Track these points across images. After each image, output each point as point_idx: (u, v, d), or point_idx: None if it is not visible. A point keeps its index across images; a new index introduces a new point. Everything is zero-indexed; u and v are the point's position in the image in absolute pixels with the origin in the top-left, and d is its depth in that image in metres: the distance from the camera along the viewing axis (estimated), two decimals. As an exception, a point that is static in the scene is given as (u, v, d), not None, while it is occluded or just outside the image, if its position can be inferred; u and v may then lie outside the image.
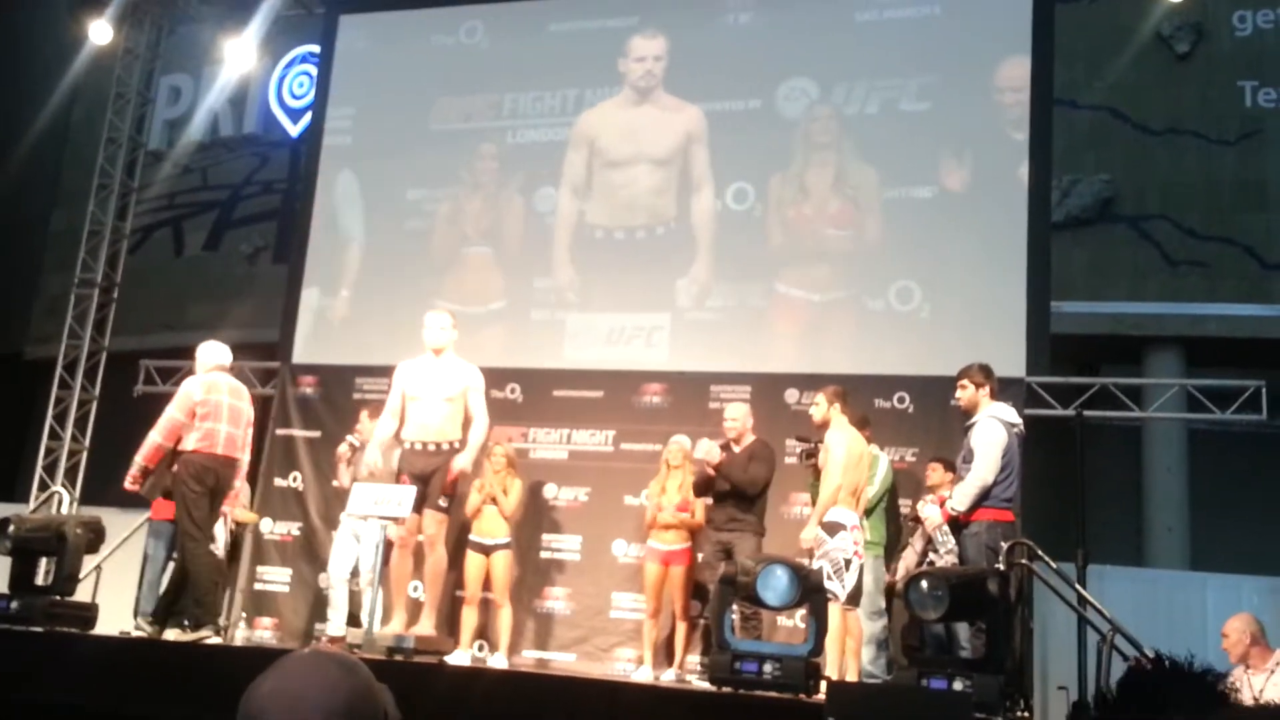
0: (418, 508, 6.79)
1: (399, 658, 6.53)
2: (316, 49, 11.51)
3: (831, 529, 6.61)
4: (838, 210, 9.03)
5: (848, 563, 6.56)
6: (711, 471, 7.32)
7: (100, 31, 11.40)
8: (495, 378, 9.09)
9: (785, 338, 8.73)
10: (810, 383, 8.18)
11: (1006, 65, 8.78)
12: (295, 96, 15.08)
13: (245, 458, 7.05)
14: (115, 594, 8.01)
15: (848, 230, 8.93)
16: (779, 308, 8.88)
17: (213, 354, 7.12)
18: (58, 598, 6.69)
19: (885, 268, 8.65)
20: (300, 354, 9.89)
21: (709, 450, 7.34)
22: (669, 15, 9.78)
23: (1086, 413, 7.99)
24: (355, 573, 8.18)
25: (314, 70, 12.04)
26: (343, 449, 8.42)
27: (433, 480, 6.89)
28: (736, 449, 7.42)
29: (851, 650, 6.71)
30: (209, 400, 6.80)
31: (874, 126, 9.05)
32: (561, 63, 9.93)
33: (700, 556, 7.54)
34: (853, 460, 6.71)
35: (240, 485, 7.34)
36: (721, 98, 9.48)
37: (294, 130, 14.95)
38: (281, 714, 1.39)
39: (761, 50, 9.52)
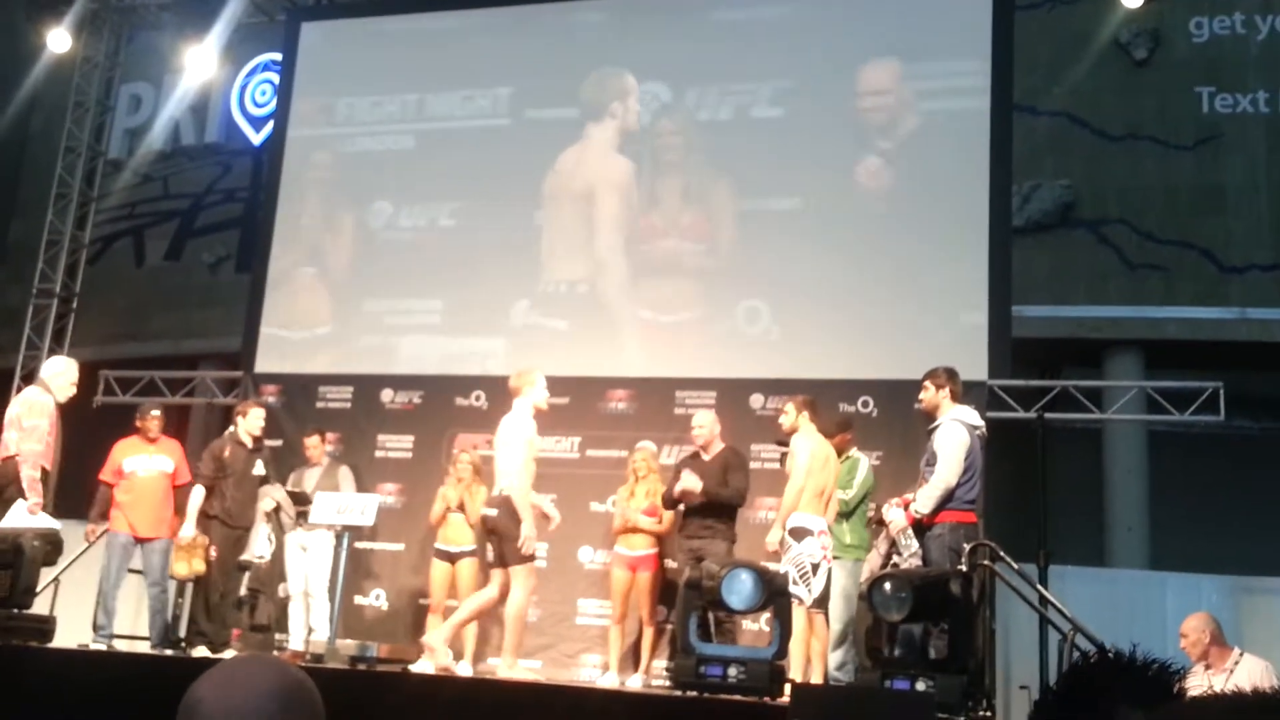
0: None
1: (362, 666, 6.49)
2: (278, 56, 11.45)
3: (799, 534, 6.63)
4: (690, 222, 9.20)
5: (815, 567, 6.59)
6: (696, 500, 7.26)
7: (59, 40, 11.30)
8: (460, 385, 9.11)
9: (749, 343, 8.75)
10: (775, 388, 8.23)
11: (870, 69, 8.95)
12: (257, 104, 14.99)
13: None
14: (73, 607, 7.92)
15: (703, 244, 9.07)
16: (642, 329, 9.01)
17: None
18: (15, 611, 6.59)
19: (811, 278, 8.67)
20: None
21: (691, 484, 7.24)
22: (517, 15, 9.96)
23: (1048, 415, 8.07)
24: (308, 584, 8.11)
25: (276, 78, 11.97)
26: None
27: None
28: (706, 456, 7.41)
29: (818, 653, 6.73)
30: None
31: (727, 133, 9.21)
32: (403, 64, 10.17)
33: (671, 563, 7.55)
34: (817, 464, 6.74)
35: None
36: (568, 105, 9.64)
37: (256, 138, 14.86)
38: (209, 707, 1.40)
39: (612, 53, 9.68)
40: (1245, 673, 6.07)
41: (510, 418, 7.03)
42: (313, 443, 8.45)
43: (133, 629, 8.58)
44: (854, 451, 7.34)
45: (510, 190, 9.54)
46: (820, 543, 6.65)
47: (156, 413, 7.94)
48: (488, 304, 9.38)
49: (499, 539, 6.72)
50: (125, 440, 7.88)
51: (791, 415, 6.97)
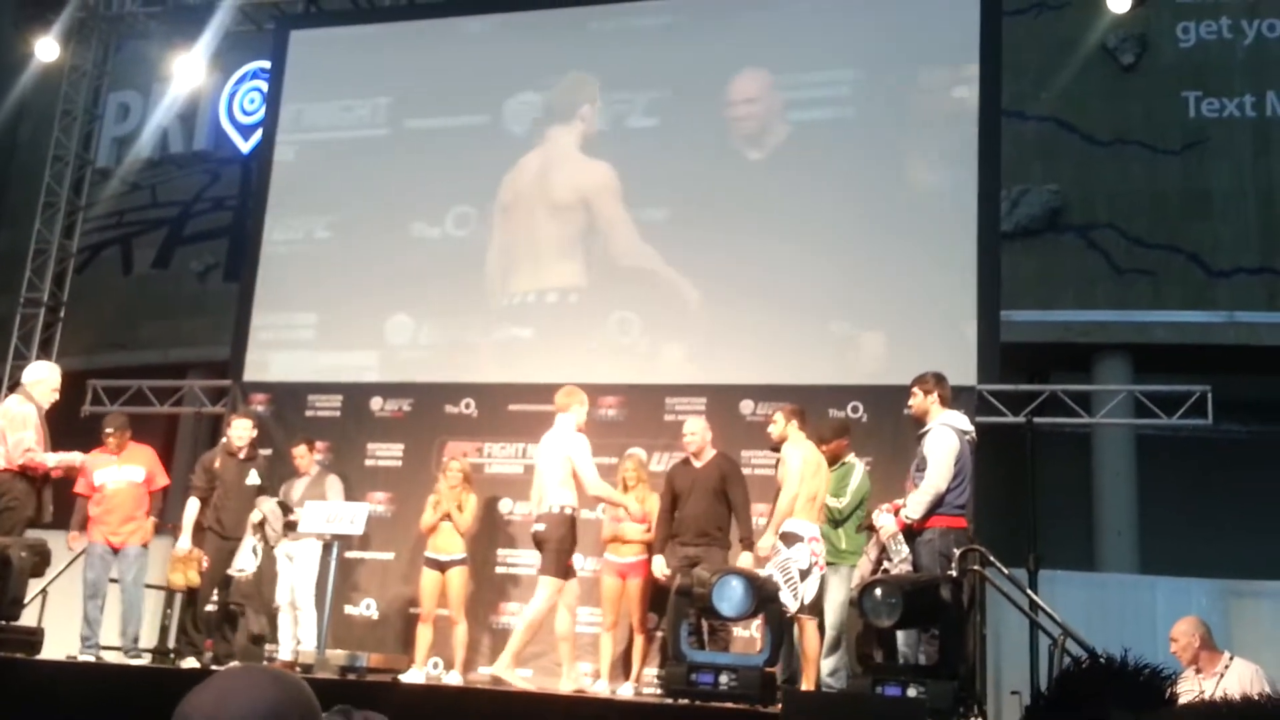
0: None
1: (352, 676, 6.47)
2: (267, 65, 11.44)
3: (789, 539, 6.63)
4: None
5: (803, 573, 6.58)
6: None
7: (47, 48, 11.27)
8: (450, 393, 9.10)
9: (739, 349, 8.75)
10: (765, 394, 8.23)
11: (741, 79, 9.06)
12: (246, 113, 14.97)
13: None
14: (61, 618, 7.88)
15: None
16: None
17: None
18: (3, 622, 6.58)
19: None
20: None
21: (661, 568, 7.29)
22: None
23: (1037, 419, 8.08)
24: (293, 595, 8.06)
25: (265, 86, 11.96)
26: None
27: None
28: (697, 463, 7.39)
29: (811, 658, 6.73)
30: None
31: (601, 143, 9.31)
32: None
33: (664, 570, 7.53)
34: (809, 471, 6.74)
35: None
36: (449, 113, 9.78)
37: (245, 146, 14.84)
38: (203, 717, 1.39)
39: (491, 61, 9.80)
40: (1235, 677, 6.07)
41: (553, 434, 7.27)
42: (300, 452, 8.41)
43: (122, 639, 8.53)
44: (850, 458, 7.34)
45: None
46: (811, 549, 6.65)
47: (111, 430, 7.82)
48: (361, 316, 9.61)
49: (541, 550, 6.98)
50: (95, 452, 7.78)
51: (780, 424, 6.99)
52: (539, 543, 7.09)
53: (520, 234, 9.47)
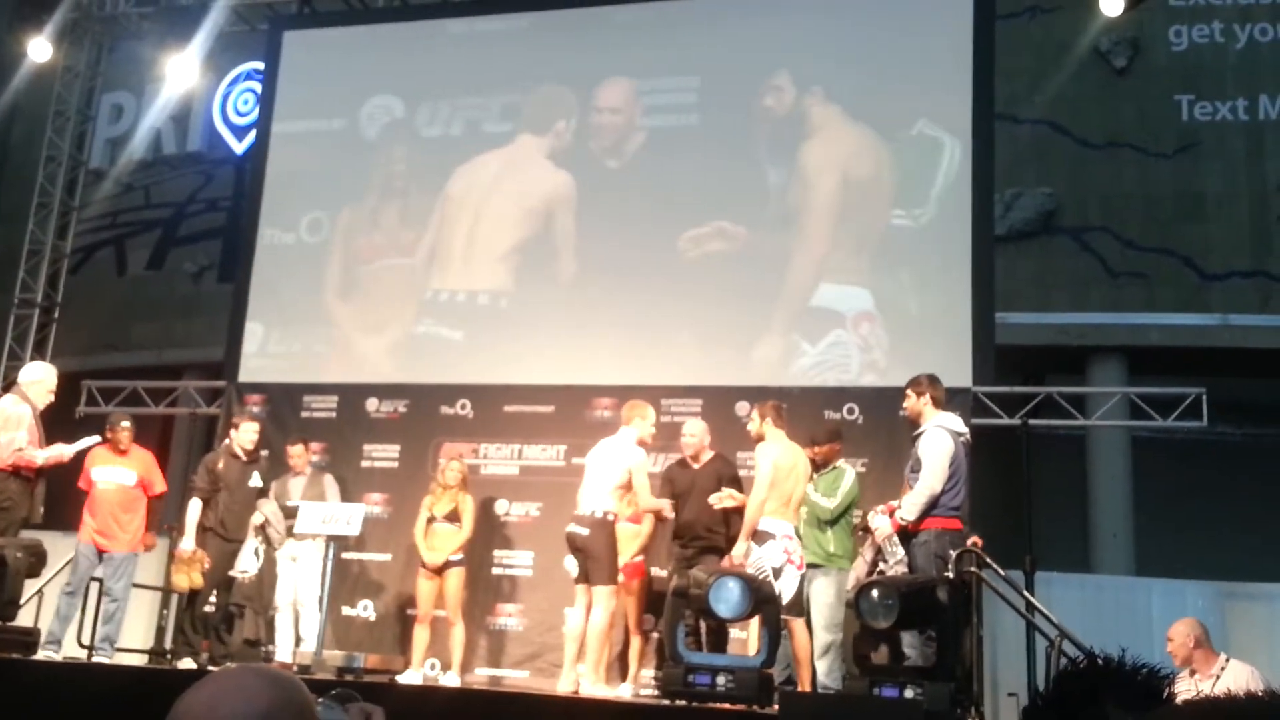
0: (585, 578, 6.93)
1: (349, 678, 6.47)
2: (261, 65, 11.43)
3: (760, 538, 6.67)
4: (410, 241, 9.55)
5: (776, 571, 6.60)
6: (668, 516, 7.34)
7: (40, 49, 11.24)
8: (446, 394, 9.10)
9: (732, 350, 8.76)
10: (761, 395, 8.22)
11: (607, 86, 9.22)
12: (239, 113, 14.95)
13: None
14: (58, 619, 7.85)
15: None
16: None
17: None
18: (-1, 623, 6.56)
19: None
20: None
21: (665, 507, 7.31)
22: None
23: (1032, 421, 8.09)
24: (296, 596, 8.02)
25: (259, 87, 11.95)
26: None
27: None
28: (695, 465, 7.39)
29: (802, 659, 6.74)
30: None
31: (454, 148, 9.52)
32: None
33: (659, 571, 7.55)
34: (782, 473, 6.78)
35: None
36: (307, 116, 9.92)
37: (239, 147, 14.82)
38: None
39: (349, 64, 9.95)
40: (1232, 678, 6.09)
41: (614, 443, 7.21)
42: (296, 451, 8.40)
43: (123, 640, 8.51)
44: (841, 462, 7.35)
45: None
46: (783, 546, 6.67)
47: (127, 424, 7.81)
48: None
49: (585, 557, 6.88)
50: (98, 448, 7.76)
51: (756, 422, 7.02)
52: (580, 548, 6.93)
53: (459, 230, 9.54)
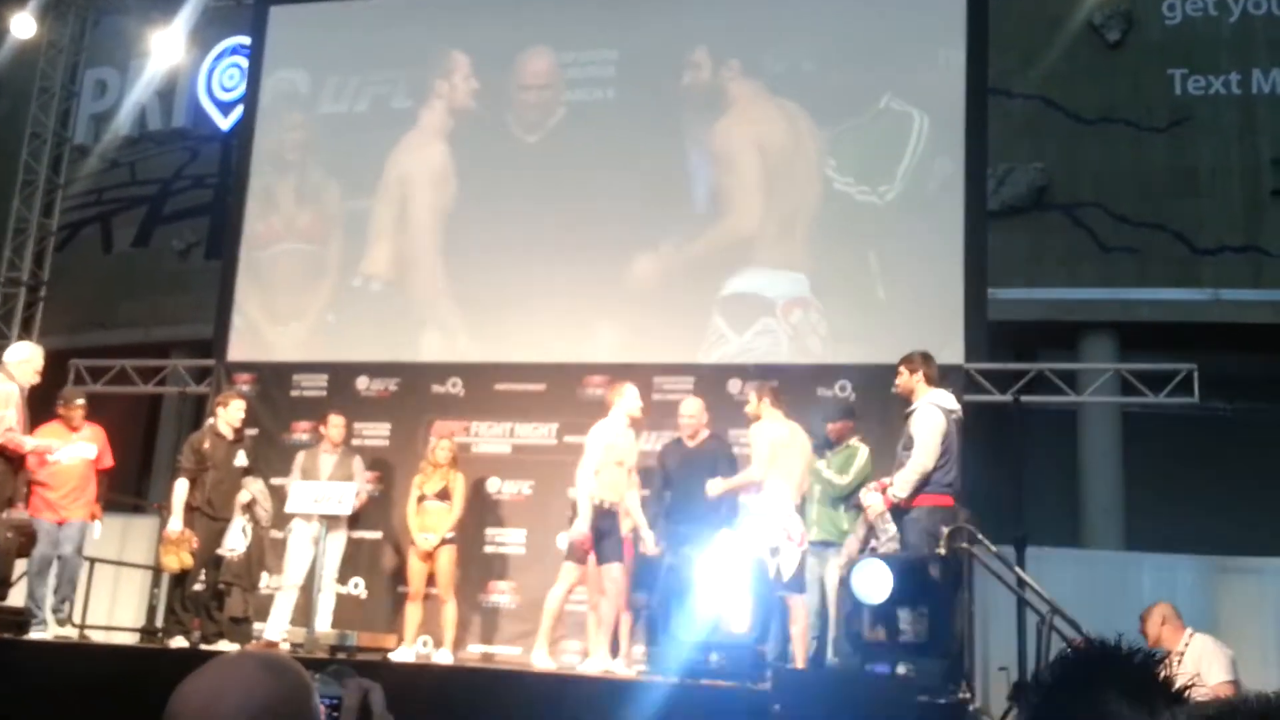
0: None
1: (342, 655, 6.45)
2: (247, 40, 11.31)
3: (760, 517, 6.70)
4: (306, 224, 9.69)
5: (773, 550, 6.61)
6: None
7: (23, 25, 11.12)
8: (437, 372, 9.06)
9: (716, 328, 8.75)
10: (753, 374, 8.21)
11: (529, 57, 9.36)
12: (225, 89, 14.80)
13: None
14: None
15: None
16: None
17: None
18: (-12, 603, 6.53)
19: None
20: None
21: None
22: None
23: (1023, 398, 8.09)
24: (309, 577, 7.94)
25: (244, 62, 11.83)
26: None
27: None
28: (691, 444, 7.37)
29: (797, 636, 6.75)
30: None
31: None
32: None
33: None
34: (778, 452, 6.78)
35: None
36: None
37: (225, 124, 14.68)
38: (195, 714, 1.35)
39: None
40: (1196, 652, 6.18)
41: (608, 424, 7.29)
42: (337, 422, 8.19)
43: (108, 619, 8.50)
44: (854, 440, 7.35)
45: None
46: (782, 524, 6.67)
47: (80, 402, 7.74)
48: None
49: (600, 536, 7.04)
50: (47, 425, 7.66)
51: (753, 403, 7.02)
52: (598, 528, 7.09)
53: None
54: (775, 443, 6.79)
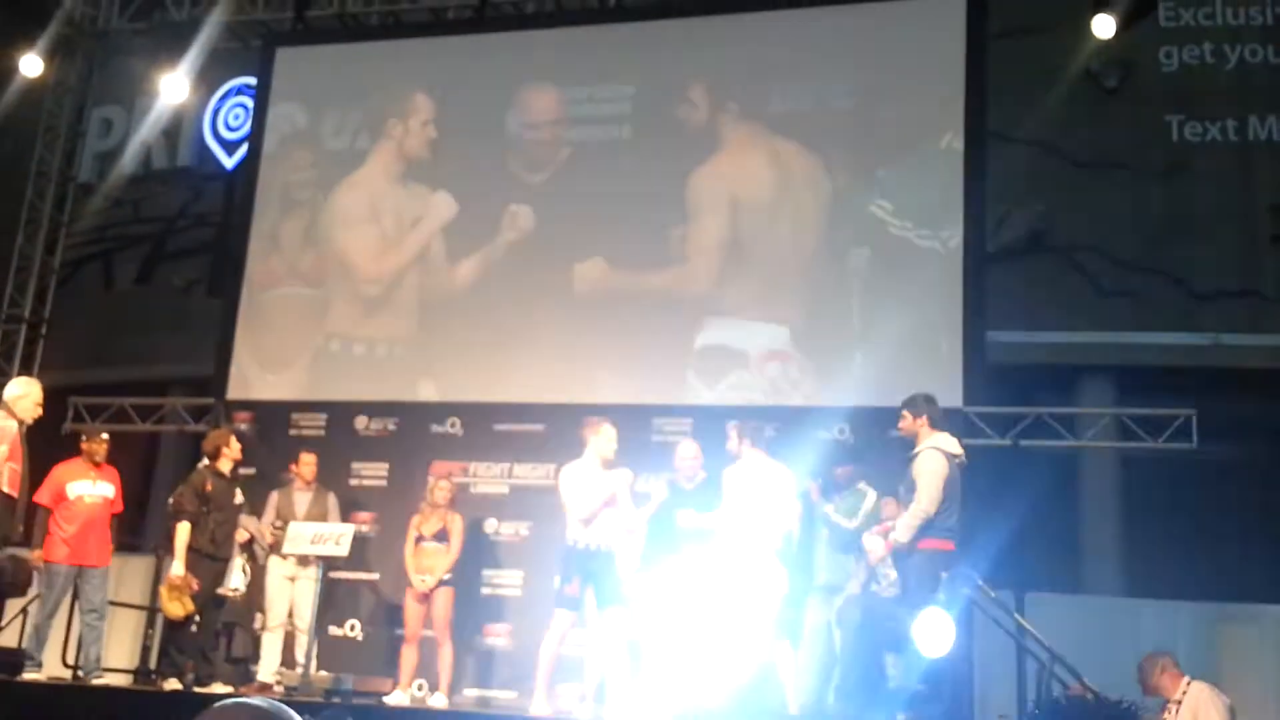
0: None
1: (337, 700, 6.41)
2: (252, 81, 11.40)
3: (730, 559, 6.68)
4: (309, 267, 9.85)
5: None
6: None
7: (31, 64, 11.19)
8: (436, 412, 9.06)
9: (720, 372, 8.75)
10: (753, 416, 8.19)
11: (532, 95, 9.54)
12: (230, 129, 14.88)
13: None
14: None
15: None
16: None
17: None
18: (-18, 644, 6.48)
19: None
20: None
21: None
22: None
23: (1022, 442, 8.09)
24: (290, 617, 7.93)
25: (250, 102, 11.92)
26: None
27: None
28: (689, 487, 7.34)
29: (787, 682, 6.71)
30: None
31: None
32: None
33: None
34: (749, 493, 6.78)
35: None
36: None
37: (229, 163, 14.75)
38: None
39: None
40: (1193, 700, 6.18)
41: (583, 464, 7.16)
42: (308, 460, 8.25)
43: (108, 660, 8.42)
44: (861, 484, 7.34)
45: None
46: (750, 569, 6.65)
47: (105, 437, 7.73)
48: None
49: (596, 581, 6.94)
50: (67, 464, 7.62)
51: (734, 440, 6.99)
52: (593, 572, 7.00)
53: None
54: (742, 484, 6.77)
